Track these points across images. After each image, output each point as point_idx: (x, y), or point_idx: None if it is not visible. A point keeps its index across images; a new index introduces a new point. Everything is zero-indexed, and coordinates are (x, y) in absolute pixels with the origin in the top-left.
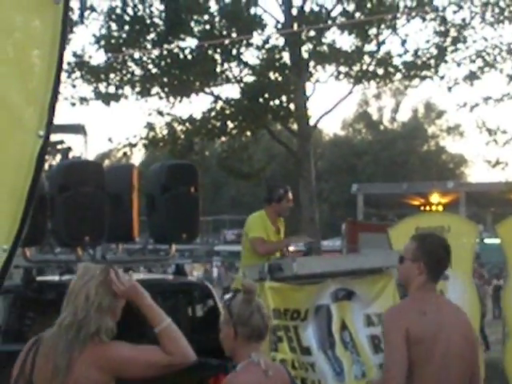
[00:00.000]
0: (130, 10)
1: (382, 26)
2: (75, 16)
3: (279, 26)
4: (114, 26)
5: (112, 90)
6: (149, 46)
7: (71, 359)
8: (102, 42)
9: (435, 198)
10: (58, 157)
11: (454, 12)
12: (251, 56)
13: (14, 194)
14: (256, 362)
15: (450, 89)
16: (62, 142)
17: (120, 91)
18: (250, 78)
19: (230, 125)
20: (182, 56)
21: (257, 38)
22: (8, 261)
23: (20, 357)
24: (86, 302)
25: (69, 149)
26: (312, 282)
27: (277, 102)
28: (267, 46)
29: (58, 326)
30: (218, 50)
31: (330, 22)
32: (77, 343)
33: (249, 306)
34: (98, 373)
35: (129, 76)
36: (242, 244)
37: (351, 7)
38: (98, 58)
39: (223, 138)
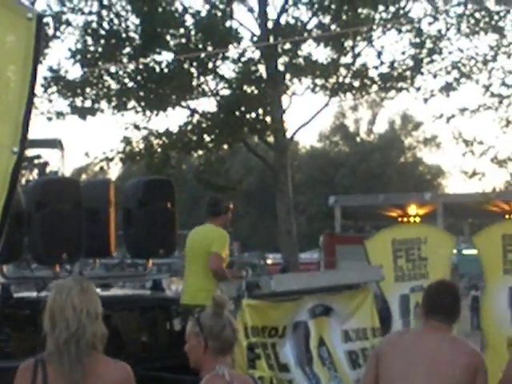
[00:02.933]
0: (105, 25)
1: (358, 38)
2: (50, 31)
3: (255, 38)
4: (89, 41)
5: (88, 104)
6: (125, 60)
7: (84, 371)
8: (78, 57)
9: (412, 209)
10: (35, 172)
11: (430, 23)
12: (227, 69)
13: None
14: (221, 374)
15: (426, 100)
16: (38, 157)
17: (96, 105)
18: (226, 92)
19: (207, 138)
20: (158, 70)
21: (233, 51)
22: None
23: (21, 381)
24: (74, 312)
25: (46, 164)
26: (290, 299)
27: (253, 115)
28: (243, 59)
29: (54, 346)
30: (194, 64)
31: (305, 34)
32: (82, 355)
33: (220, 319)
34: None
35: (105, 90)
36: (197, 258)
37: (327, 19)
38: (74, 72)
39: (200, 152)
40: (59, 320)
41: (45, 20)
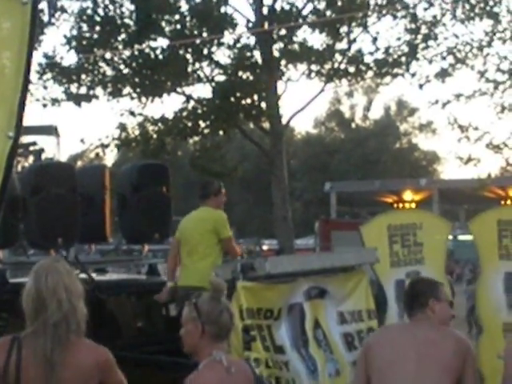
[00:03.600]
0: (100, 11)
1: (353, 24)
2: (45, 17)
3: (250, 25)
4: (84, 27)
5: (83, 90)
6: (120, 46)
7: (66, 353)
8: (73, 43)
9: (408, 195)
10: (31, 158)
11: (425, 9)
12: (222, 55)
13: None
14: (218, 360)
15: (421, 86)
16: (34, 144)
17: (92, 92)
18: (221, 78)
19: (202, 124)
20: (153, 56)
21: (228, 37)
22: None
23: None
24: (66, 293)
25: (41, 150)
26: (285, 281)
27: (248, 100)
28: (238, 45)
29: (42, 325)
30: (189, 50)
31: (300, 20)
32: (71, 335)
33: (218, 304)
34: (94, 373)
35: (100, 77)
36: (205, 242)
37: (322, 5)
38: (69, 58)
39: (195, 138)
40: (50, 301)
41: (40, 6)
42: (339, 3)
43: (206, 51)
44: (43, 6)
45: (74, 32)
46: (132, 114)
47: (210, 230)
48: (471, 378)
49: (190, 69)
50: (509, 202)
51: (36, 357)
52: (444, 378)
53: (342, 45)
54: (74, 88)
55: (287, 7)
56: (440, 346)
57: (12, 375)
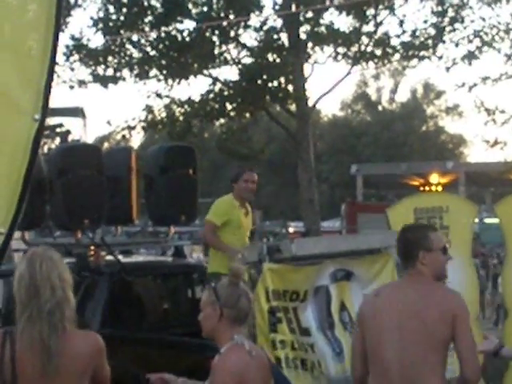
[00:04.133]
0: None
1: (380, 7)
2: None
3: (277, 7)
4: (111, 9)
5: (110, 72)
6: (147, 28)
7: (62, 341)
8: (100, 25)
9: (434, 178)
10: (57, 140)
11: None
12: (249, 38)
13: (10, 177)
14: (240, 344)
15: (448, 69)
16: (60, 126)
17: (118, 74)
18: (248, 60)
19: (229, 106)
20: (180, 38)
21: (255, 20)
22: (5, 244)
23: None
24: (60, 281)
25: (68, 132)
26: (311, 263)
27: (275, 83)
28: (265, 28)
29: (36, 312)
30: (216, 32)
31: (327, 2)
32: (65, 322)
33: (236, 289)
34: (90, 360)
35: (127, 59)
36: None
37: None
38: (96, 40)
39: (222, 120)
40: (44, 288)
41: None
42: None
43: (232, 33)
44: None
45: (101, 14)
46: (159, 96)
47: None
48: (464, 336)
49: (216, 51)
50: None
51: (33, 344)
52: (429, 346)
53: (368, 27)
54: (100, 70)
55: None
56: (420, 314)
57: (7, 368)
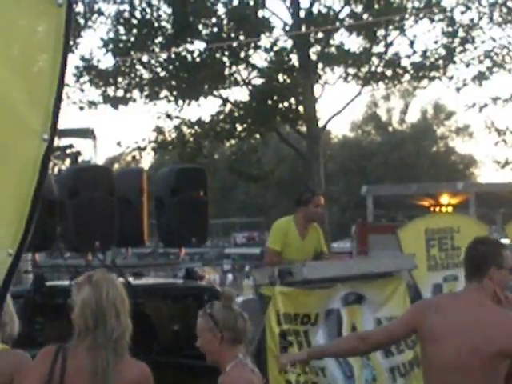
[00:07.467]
0: (137, 14)
1: (390, 27)
2: (82, 20)
3: (287, 28)
4: (121, 30)
5: (120, 93)
6: (157, 49)
7: (119, 368)
8: (110, 46)
9: (445, 198)
10: (68, 161)
11: (462, 12)
12: (259, 58)
13: (19, 197)
14: (244, 362)
15: (458, 89)
16: (71, 147)
17: (128, 95)
18: (258, 81)
19: (239, 127)
20: (190, 59)
21: (265, 41)
22: (13, 265)
23: (38, 366)
24: (122, 307)
25: (78, 153)
26: (322, 287)
27: (285, 104)
28: (275, 49)
29: (103, 339)
30: (226, 53)
31: (337, 23)
32: (124, 352)
33: (231, 311)
34: None
35: (137, 79)
36: None
37: (359, 9)
38: (106, 61)
39: (232, 141)
40: (110, 315)
41: (76, 8)
42: (376, 6)
43: (242, 54)
44: (80, 8)
45: (111, 35)
46: (169, 116)
47: None
48: None
49: (226, 72)
50: None
51: (91, 370)
52: (483, 365)
53: (378, 48)
54: (110, 91)
55: (324, 10)
56: (486, 332)
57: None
